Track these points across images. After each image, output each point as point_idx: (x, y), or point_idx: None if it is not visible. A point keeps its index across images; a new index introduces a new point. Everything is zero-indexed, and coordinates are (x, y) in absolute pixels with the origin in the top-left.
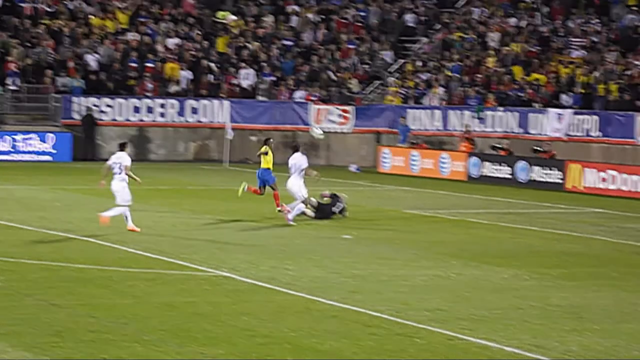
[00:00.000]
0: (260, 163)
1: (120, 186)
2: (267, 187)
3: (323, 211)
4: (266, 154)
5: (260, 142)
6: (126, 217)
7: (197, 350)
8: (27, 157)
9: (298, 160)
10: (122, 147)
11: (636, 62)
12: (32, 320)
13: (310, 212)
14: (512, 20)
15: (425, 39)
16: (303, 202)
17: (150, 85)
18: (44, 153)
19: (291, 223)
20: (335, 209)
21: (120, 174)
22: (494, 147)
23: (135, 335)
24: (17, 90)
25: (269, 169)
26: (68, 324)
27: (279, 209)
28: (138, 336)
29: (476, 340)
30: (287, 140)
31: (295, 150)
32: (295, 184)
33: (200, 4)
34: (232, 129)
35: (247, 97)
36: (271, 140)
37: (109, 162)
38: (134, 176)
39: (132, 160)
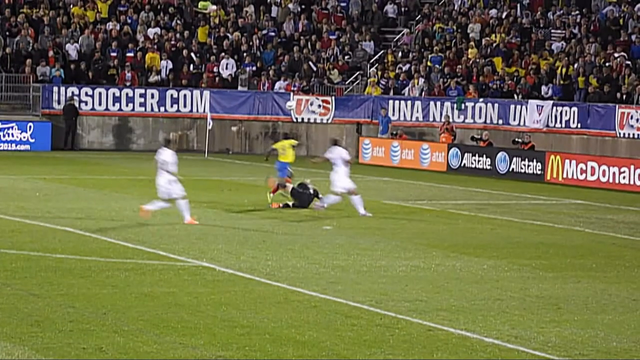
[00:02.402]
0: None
1: (163, 181)
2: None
3: (301, 199)
4: (294, 147)
5: (240, 133)
6: (160, 208)
7: (176, 341)
8: (5, 146)
9: (339, 152)
10: (166, 143)
11: (616, 54)
12: (11, 310)
13: (290, 202)
14: (493, 12)
15: (406, 30)
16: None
17: (128, 75)
18: (22, 142)
19: (367, 214)
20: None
21: (165, 170)
22: (474, 138)
23: (114, 325)
24: None
25: (289, 162)
26: (47, 313)
27: (271, 196)
28: (117, 326)
29: (456, 330)
30: (267, 131)
31: (335, 143)
32: (339, 177)
33: None
34: (212, 119)
35: (227, 87)
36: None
37: (156, 157)
38: (175, 174)
39: (113, 150)
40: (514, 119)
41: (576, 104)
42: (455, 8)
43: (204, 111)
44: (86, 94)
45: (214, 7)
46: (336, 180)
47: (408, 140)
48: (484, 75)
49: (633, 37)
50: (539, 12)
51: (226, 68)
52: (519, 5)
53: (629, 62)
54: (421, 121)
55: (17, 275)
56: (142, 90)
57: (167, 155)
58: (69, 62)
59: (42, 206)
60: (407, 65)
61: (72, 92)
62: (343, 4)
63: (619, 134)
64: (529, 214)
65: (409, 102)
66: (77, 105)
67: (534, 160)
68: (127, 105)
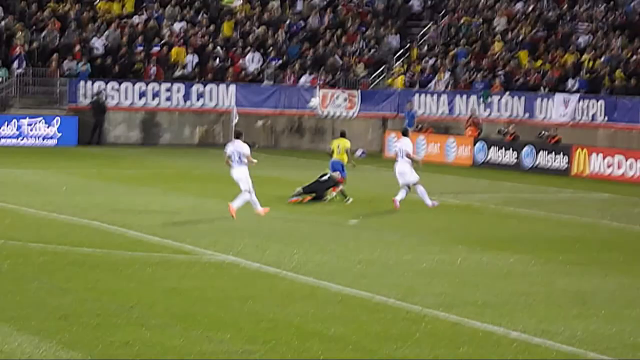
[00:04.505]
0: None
1: (243, 174)
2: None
3: (316, 191)
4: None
5: (266, 127)
6: (254, 203)
7: (203, 335)
8: (32, 141)
9: (403, 144)
10: (238, 135)
11: None
12: (38, 304)
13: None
14: (519, 5)
15: (431, 24)
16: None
17: (154, 69)
18: (49, 137)
19: (435, 204)
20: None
21: (240, 163)
22: (500, 132)
23: (141, 319)
24: (23, 75)
25: (344, 162)
26: (74, 307)
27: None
28: (144, 320)
29: (482, 325)
30: (292, 125)
31: (405, 134)
32: (405, 170)
33: None
34: (237, 113)
35: (253, 81)
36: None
37: (228, 152)
38: (253, 161)
39: (139, 144)
40: (540, 113)
41: (602, 98)
42: (481, 1)
43: (230, 105)
44: (112, 89)
45: (240, 1)
46: (408, 174)
47: (434, 134)
48: (509, 69)
49: None
50: (565, 6)
51: (252, 62)
52: None
53: None
54: (447, 115)
55: (44, 270)
56: (168, 85)
57: (244, 148)
58: (95, 57)
59: (68, 200)
60: (433, 59)
61: (100, 87)
62: None
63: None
64: (554, 207)
65: (434, 96)
66: (104, 99)
67: (560, 154)
68: (153, 100)
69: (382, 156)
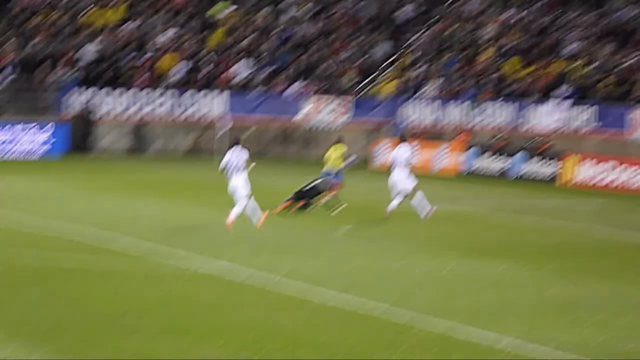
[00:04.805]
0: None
1: (241, 180)
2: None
3: (306, 197)
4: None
5: (258, 134)
6: (254, 209)
7: (193, 344)
8: (22, 149)
9: (401, 151)
10: (236, 142)
11: (632, 55)
12: (29, 314)
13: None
14: (509, 12)
15: (421, 32)
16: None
17: (144, 77)
18: (39, 145)
19: (433, 208)
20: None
21: (238, 170)
22: (490, 140)
23: (131, 328)
24: (14, 82)
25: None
26: (64, 317)
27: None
28: (134, 329)
29: (472, 333)
30: (284, 133)
31: (403, 140)
32: (402, 178)
33: None
34: (228, 120)
35: (243, 89)
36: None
37: (227, 159)
38: (251, 164)
39: (129, 152)
40: (531, 120)
41: (592, 105)
42: (472, 9)
43: (221, 113)
44: (103, 97)
45: (231, 9)
46: (402, 182)
47: (425, 141)
48: (499, 76)
49: None
50: (555, 13)
51: (242, 70)
52: (534, 6)
53: None
54: (437, 122)
55: (35, 279)
56: (159, 93)
57: (244, 154)
58: (86, 65)
59: (59, 208)
60: (423, 67)
61: (89, 99)
62: (359, 5)
63: (636, 134)
64: (545, 215)
65: (425, 104)
66: (92, 112)
67: (551, 161)
68: (143, 108)
69: (373, 163)
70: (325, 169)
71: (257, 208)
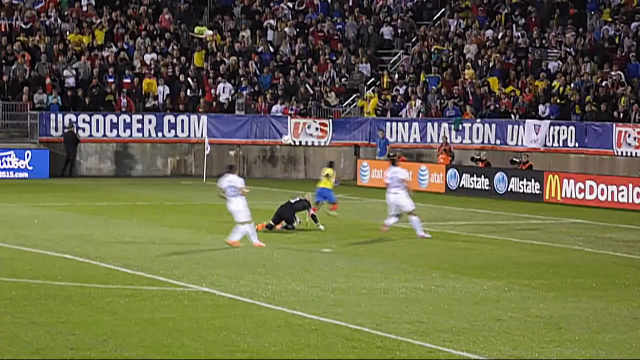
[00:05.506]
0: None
1: (241, 205)
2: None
3: (284, 215)
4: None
5: (238, 157)
6: (249, 235)
7: None
8: (4, 174)
9: (397, 173)
10: (231, 169)
11: (612, 73)
12: (12, 339)
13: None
14: (489, 33)
15: (402, 52)
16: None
17: (125, 101)
18: (21, 170)
19: (425, 236)
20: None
21: (235, 195)
22: (473, 159)
23: (115, 352)
24: None
25: (330, 189)
26: (47, 341)
27: (334, 213)
28: (118, 353)
29: (457, 352)
30: (265, 155)
31: (394, 163)
32: (400, 198)
33: (177, 20)
34: (210, 143)
35: (225, 111)
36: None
37: (222, 186)
38: (246, 190)
39: (112, 176)
40: (512, 139)
41: (574, 124)
42: (452, 29)
43: (202, 136)
44: (84, 121)
45: (210, 32)
46: (403, 201)
47: (406, 161)
48: (481, 95)
49: (630, 56)
50: (535, 32)
51: (223, 92)
52: (514, 25)
53: (624, 81)
54: (419, 142)
55: (17, 304)
56: (140, 116)
57: (238, 182)
58: (67, 89)
59: (41, 234)
60: (404, 87)
61: (71, 120)
62: (339, 27)
63: (617, 152)
64: (528, 234)
65: (406, 124)
66: (77, 132)
67: (533, 180)
68: (125, 132)
69: (356, 184)
70: (320, 188)
71: (255, 235)
